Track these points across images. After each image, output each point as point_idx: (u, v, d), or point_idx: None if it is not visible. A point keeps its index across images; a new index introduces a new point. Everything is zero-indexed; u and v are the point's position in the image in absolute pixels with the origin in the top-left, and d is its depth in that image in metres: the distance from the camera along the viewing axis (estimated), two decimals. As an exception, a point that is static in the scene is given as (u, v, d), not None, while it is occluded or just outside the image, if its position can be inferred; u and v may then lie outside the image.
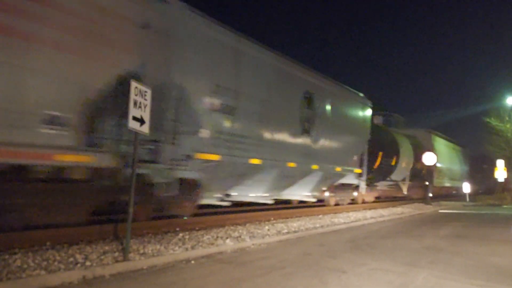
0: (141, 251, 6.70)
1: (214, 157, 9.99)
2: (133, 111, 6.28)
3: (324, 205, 17.82)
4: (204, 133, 9.80)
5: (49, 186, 7.05)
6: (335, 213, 15.86)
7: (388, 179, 23.96)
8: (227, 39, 10.75)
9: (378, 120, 26.20)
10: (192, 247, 7.30)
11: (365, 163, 18.92)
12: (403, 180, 26.28)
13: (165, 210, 9.54)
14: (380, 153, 20.79)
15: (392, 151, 22.98)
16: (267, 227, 10.34)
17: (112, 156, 7.60)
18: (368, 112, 19.19)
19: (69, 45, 6.98)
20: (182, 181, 9.26)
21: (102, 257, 6.11)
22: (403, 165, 24.89)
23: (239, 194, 11.85)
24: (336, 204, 17.95)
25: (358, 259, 6.95)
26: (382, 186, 23.92)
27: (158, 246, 7.14)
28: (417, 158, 26.69)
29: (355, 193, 19.82)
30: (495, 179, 32.79)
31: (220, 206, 13.41)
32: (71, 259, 5.87)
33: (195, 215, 11.36)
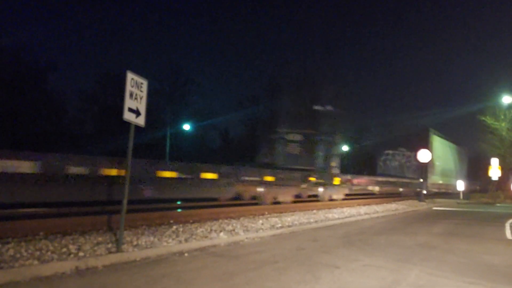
0: (135, 243, 6.69)
1: None
2: (128, 103, 6.25)
3: (318, 201, 17.92)
4: None
5: None
6: (329, 208, 15.92)
7: None
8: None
9: None
10: (186, 240, 7.30)
11: None
12: None
13: None
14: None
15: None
16: (261, 221, 10.36)
17: None
18: None
19: None
20: None
21: (95, 248, 6.10)
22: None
23: None
24: None
25: (351, 255, 6.98)
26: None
27: (151, 238, 7.14)
28: None
29: None
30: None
31: (215, 200, 13.40)
32: (64, 249, 5.86)
33: (189, 208, 11.35)
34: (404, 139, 33.25)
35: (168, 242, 7.01)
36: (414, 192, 29.79)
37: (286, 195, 16.11)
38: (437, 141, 35.15)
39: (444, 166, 36.89)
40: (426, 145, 30.07)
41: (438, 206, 23.06)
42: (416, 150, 28.66)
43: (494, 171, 31.82)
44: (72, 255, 5.61)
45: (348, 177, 24.08)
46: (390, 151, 34.12)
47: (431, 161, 29.99)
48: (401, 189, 30.89)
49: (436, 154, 32.30)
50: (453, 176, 39.43)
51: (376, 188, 28.15)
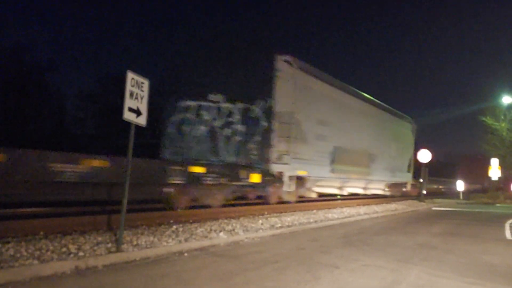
0: (135, 243, 6.69)
1: None
2: (129, 102, 6.24)
3: (317, 200, 17.95)
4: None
5: None
6: (329, 208, 15.93)
7: None
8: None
9: None
10: (186, 240, 7.30)
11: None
12: None
13: None
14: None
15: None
16: (260, 221, 10.36)
17: None
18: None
19: None
20: None
21: (95, 247, 6.10)
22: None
23: None
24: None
25: (351, 255, 6.98)
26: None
27: (151, 238, 7.14)
28: None
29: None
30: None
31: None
32: (64, 249, 5.86)
33: (189, 207, 11.34)
34: (225, 78, 14.39)
35: (168, 242, 7.01)
36: (224, 195, 12.39)
37: None
38: (308, 88, 15.44)
39: (337, 143, 17.65)
40: (270, 88, 13.38)
41: (438, 206, 23.08)
42: (249, 100, 13.43)
43: (494, 171, 31.82)
44: (72, 255, 5.61)
45: None
46: (192, 103, 14.78)
47: (276, 131, 13.40)
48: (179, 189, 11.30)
49: (302, 113, 14.79)
50: (369, 166, 20.90)
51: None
